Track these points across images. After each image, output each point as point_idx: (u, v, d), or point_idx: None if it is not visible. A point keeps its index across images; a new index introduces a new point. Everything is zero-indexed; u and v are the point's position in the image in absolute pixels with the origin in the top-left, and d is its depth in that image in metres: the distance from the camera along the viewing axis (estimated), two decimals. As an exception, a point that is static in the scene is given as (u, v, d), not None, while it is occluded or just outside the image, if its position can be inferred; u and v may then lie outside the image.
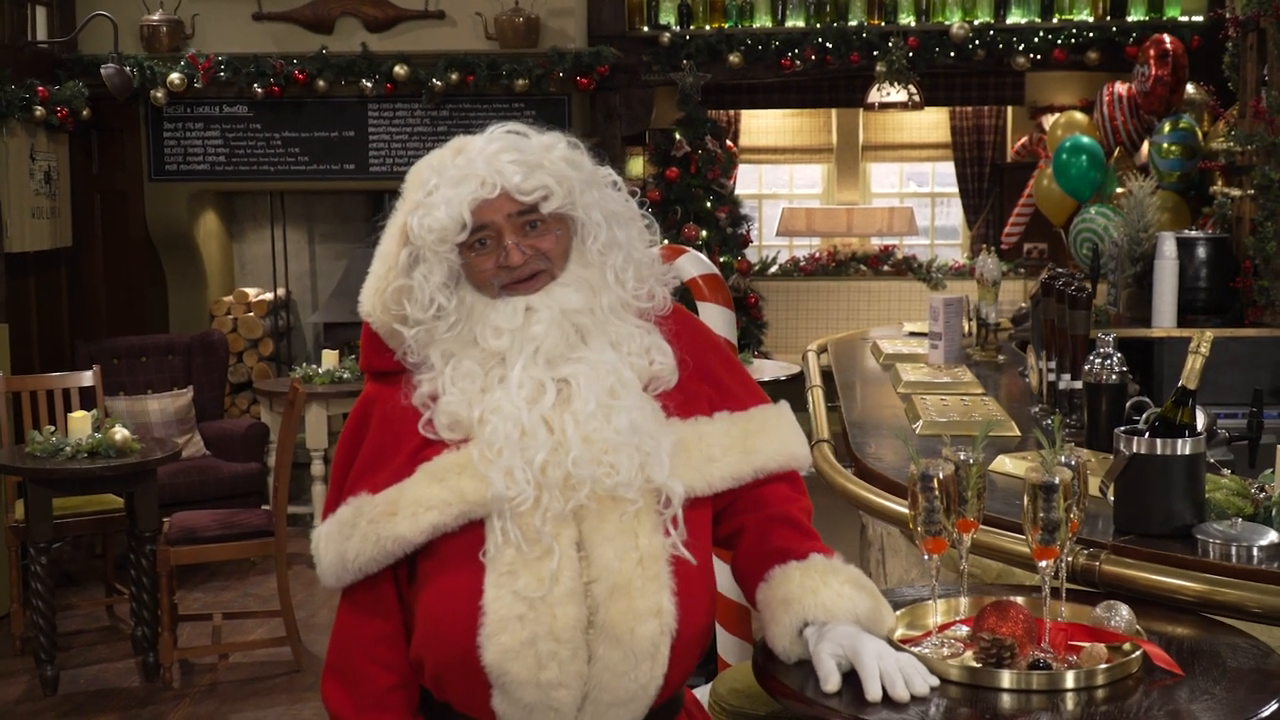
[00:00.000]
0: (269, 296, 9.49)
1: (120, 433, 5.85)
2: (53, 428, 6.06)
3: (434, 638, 2.10)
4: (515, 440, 2.05)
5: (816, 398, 4.70)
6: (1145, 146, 7.43)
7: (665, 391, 2.20)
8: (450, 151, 2.21)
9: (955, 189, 11.82)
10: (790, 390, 7.42)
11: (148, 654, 5.92)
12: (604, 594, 2.05)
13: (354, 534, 2.13)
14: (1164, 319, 5.85)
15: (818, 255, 11.44)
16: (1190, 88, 7.40)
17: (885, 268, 11.25)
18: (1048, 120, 10.12)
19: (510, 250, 2.12)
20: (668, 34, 8.87)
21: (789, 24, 8.99)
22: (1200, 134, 7.03)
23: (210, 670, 6.01)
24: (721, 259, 8.63)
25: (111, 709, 5.59)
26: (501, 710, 2.07)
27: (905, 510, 2.31)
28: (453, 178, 2.13)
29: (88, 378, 6.95)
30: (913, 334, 5.90)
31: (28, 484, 5.80)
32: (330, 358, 7.89)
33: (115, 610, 6.75)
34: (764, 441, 2.26)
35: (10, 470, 5.86)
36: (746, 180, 12.05)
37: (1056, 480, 2.16)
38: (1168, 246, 5.87)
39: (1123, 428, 2.71)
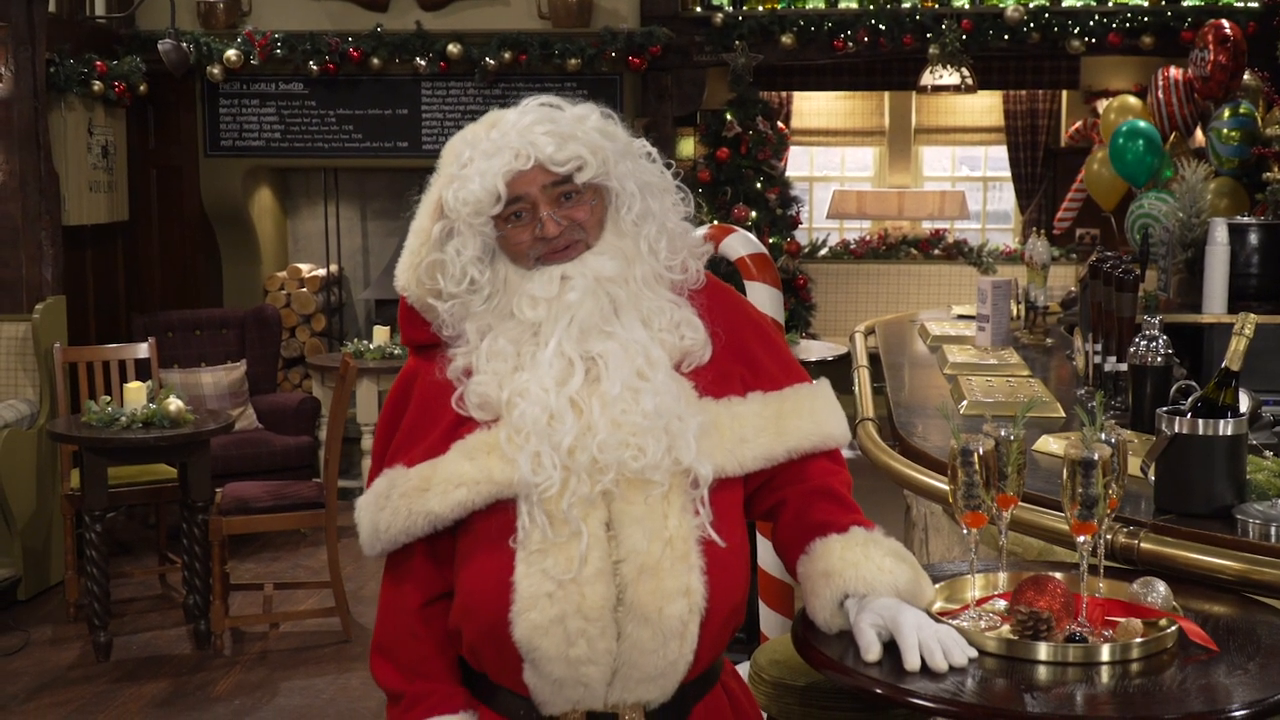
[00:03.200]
0: (322, 272, 9.57)
1: (174, 403, 5.92)
2: (108, 398, 6.15)
3: (467, 612, 2.13)
4: (543, 425, 2.06)
5: (862, 378, 4.71)
6: (1198, 131, 7.38)
7: (698, 369, 2.20)
8: (484, 126, 2.21)
9: (1008, 173, 11.77)
10: (837, 371, 7.44)
11: (199, 622, 6.01)
12: (632, 574, 2.06)
13: (386, 506, 2.16)
14: (1214, 305, 5.80)
15: (868, 238, 11.42)
16: (1245, 74, 7.34)
17: (936, 252, 11.22)
18: (1102, 105, 10.06)
19: (546, 222, 2.12)
20: (720, 15, 8.88)
21: (842, 5, 8.99)
22: (1259, 120, 6.98)
23: (260, 639, 6.10)
24: (771, 240, 8.65)
25: (163, 675, 5.68)
26: (533, 684, 2.10)
27: (947, 486, 2.33)
28: (486, 150, 2.13)
29: (143, 350, 7.04)
30: (961, 317, 5.90)
31: (83, 453, 5.89)
32: (381, 333, 7.97)
33: (168, 579, 6.85)
34: (798, 422, 2.25)
35: (66, 439, 5.95)
36: (798, 162, 12.04)
37: (1095, 456, 2.18)
38: (1219, 232, 5.82)
39: (1165, 408, 2.72)
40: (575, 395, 2.09)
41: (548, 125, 2.13)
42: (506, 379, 2.12)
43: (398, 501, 2.14)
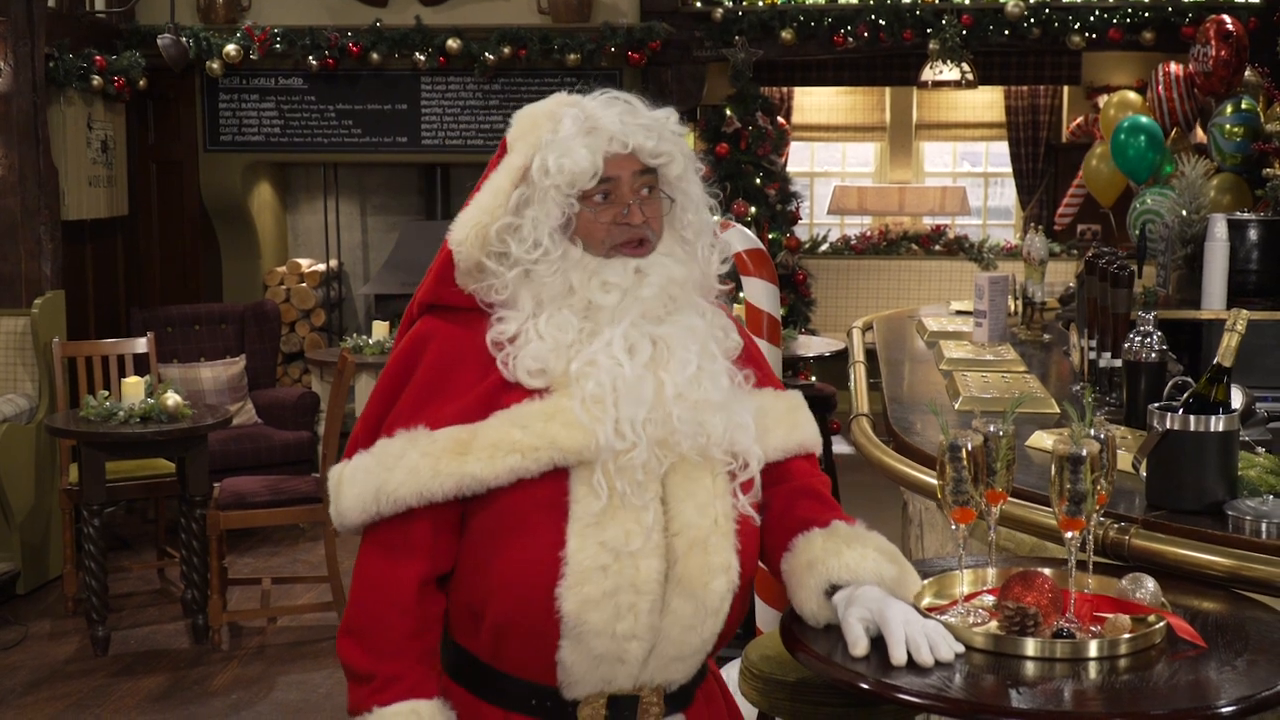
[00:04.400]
0: (321, 267, 9.57)
1: (172, 398, 5.93)
2: (107, 393, 6.15)
3: (507, 587, 2.09)
4: (623, 394, 2.08)
5: (859, 373, 4.71)
6: (1198, 127, 7.37)
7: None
8: (560, 104, 2.24)
9: (1009, 169, 11.75)
10: (835, 366, 7.43)
11: (197, 616, 6.02)
12: (683, 548, 2.10)
13: (399, 466, 2.10)
14: (1213, 301, 5.79)
15: (869, 234, 11.42)
16: (1246, 70, 7.32)
17: (937, 247, 11.21)
18: (1103, 100, 10.05)
19: (632, 208, 2.16)
20: (720, 10, 8.87)
21: (842, 1, 8.97)
22: (1261, 115, 6.97)
23: (258, 633, 6.11)
24: (770, 236, 8.63)
25: (161, 669, 5.69)
26: (570, 661, 2.09)
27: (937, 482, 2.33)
28: (584, 128, 2.16)
29: (141, 344, 7.04)
30: (959, 312, 5.90)
31: (81, 447, 5.89)
32: (380, 329, 7.95)
33: (166, 573, 6.86)
34: (802, 419, 2.35)
35: (64, 433, 5.96)
36: (799, 158, 12.02)
37: (1084, 452, 2.17)
38: (1219, 228, 5.81)
39: (1157, 404, 2.72)
40: (647, 369, 2.12)
41: (642, 119, 2.19)
42: (566, 350, 2.12)
43: (418, 460, 2.09)
